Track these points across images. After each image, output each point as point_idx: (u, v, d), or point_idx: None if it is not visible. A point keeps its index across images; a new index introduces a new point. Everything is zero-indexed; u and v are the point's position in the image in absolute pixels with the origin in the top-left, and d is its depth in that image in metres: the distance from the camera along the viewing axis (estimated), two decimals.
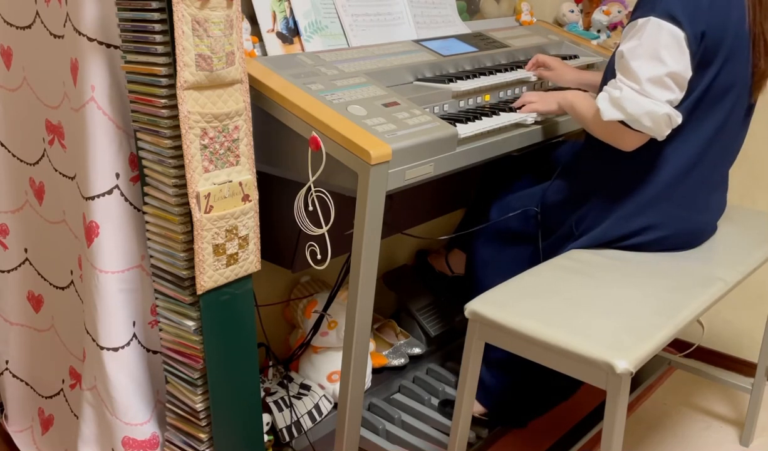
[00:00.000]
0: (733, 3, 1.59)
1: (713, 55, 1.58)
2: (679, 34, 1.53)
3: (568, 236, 1.80)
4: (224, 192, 1.38)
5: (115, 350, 1.52)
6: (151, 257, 1.46)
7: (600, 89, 1.67)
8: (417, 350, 2.29)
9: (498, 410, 2.04)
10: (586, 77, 2.04)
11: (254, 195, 1.44)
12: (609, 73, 1.67)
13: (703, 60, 1.58)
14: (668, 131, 1.59)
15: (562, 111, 1.81)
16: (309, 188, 1.46)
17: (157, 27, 1.29)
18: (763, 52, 1.64)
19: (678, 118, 1.58)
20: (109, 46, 1.40)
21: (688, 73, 1.56)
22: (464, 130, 1.63)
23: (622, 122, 1.58)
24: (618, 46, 1.61)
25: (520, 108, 1.84)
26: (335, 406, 2.04)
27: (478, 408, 2.02)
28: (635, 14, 1.60)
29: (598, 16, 2.50)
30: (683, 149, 1.66)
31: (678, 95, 1.57)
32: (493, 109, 1.81)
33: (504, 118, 1.76)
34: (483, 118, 1.74)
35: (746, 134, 1.83)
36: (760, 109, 2.20)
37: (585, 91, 1.91)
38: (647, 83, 1.54)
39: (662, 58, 1.53)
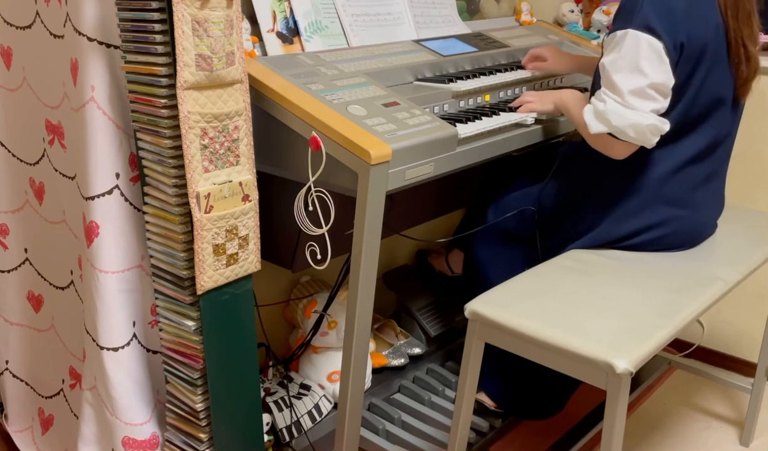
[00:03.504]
0: (709, 12, 1.60)
1: (697, 63, 1.59)
2: (658, 44, 1.54)
3: (566, 237, 1.80)
4: (224, 192, 1.38)
5: (115, 350, 1.52)
6: (151, 257, 1.46)
7: (590, 94, 1.68)
8: (417, 350, 2.29)
9: (509, 406, 2.06)
10: (583, 62, 2.04)
11: (254, 195, 1.44)
12: (595, 85, 1.67)
13: (686, 68, 1.59)
14: (655, 140, 1.60)
15: (558, 111, 1.82)
16: (309, 188, 1.46)
17: (157, 27, 1.29)
18: (743, 58, 1.65)
19: (665, 126, 1.58)
20: (109, 46, 1.40)
21: (671, 82, 1.57)
22: (464, 130, 1.63)
23: (609, 133, 1.60)
24: (600, 57, 1.62)
25: (518, 107, 1.84)
26: (335, 406, 2.03)
27: (490, 401, 2.04)
28: (615, 25, 1.61)
29: (598, 16, 2.50)
30: (676, 150, 1.67)
31: (662, 104, 1.58)
32: (493, 109, 1.81)
33: (504, 118, 1.76)
34: (483, 118, 1.74)
35: (737, 130, 1.83)
36: (760, 109, 2.19)
37: (582, 90, 1.91)
38: (629, 95, 1.55)
39: (643, 69, 1.54)
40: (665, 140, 1.64)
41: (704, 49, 1.59)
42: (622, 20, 1.58)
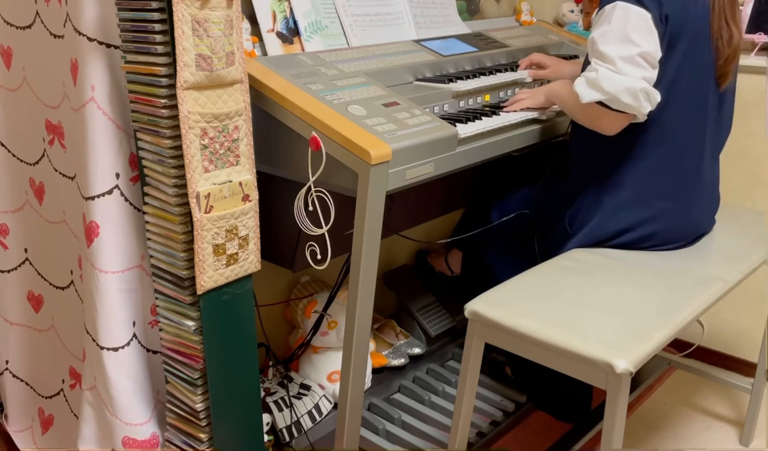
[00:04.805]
0: None
1: (677, 40, 1.61)
2: (646, 15, 1.56)
3: (564, 235, 1.80)
4: (224, 192, 1.38)
5: (115, 350, 1.52)
6: (151, 257, 1.46)
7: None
8: (417, 350, 2.29)
9: (537, 399, 2.08)
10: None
11: (254, 195, 1.44)
12: (586, 65, 1.68)
13: (670, 42, 1.60)
14: (649, 108, 1.60)
15: (550, 103, 1.83)
16: (309, 188, 1.46)
17: (157, 27, 1.29)
18: (725, 37, 1.67)
19: (657, 96, 1.60)
20: (109, 46, 1.40)
21: (659, 53, 1.59)
22: (464, 130, 1.63)
23: (601, 104, 1.60)
24: (590, 35, 1.64)
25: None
26: (335, 406, 2.03)
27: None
28: (603, 1, 1.63)
29: None
30: (665, 137, 1.68)
31: (652, 73, 1.59)
32: (493, 109, 1.81)
33: (504, 118, 1.76)
34: (483, 118, 1.74)
35: (730, 124, 1.83)
36: (759, 109, 2.19)
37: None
38: (621, 61, 1.56)
39: (632, 39, 1.56)
40: (652, 127, 1.65)
41: (686, 24, 1.61)
42: None
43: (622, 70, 1.56)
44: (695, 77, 1.66)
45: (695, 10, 1.63)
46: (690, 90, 1.67)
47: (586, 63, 1.69)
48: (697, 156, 1.73)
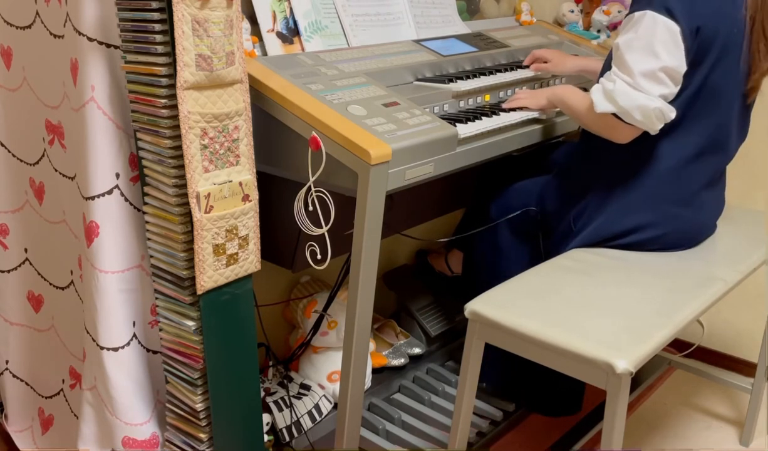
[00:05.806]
0: (731, 1, 1.60)
1: (707, 52, 1.59)
2: (675, 28, 1.54)
3: (567, 233, 1.80)
4: (224, 192, 1.38)
5: (115, 350, 1.52)
6: (151, 257, 1.46)
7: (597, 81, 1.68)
8: (417, 350, 2.29)
9: (531, 402, 2.08)
10: (586, 63, 2.05)
11: (254, 195, 1.44)
12: (606, 67, 1.68)
13: (697, 56, 1.59)
14: (660, 125, 1.59)
15: (552, 106, 1.82)
16: (309, 188, 1.46)
17: (157, 27, 1.29)
18: (764, 51, 1.65)
19: (671, 113, 1.58)
20: (109, 46, 1.40)
21: (683, 68, 1.57)
22: (464, 130, 1.63)
23: (614, 115, 1.59)
24: (616, 39, 1.63)
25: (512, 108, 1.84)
26: (335, 406, 2.03)
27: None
28: (633, 7, 1.61)
29: (598, 16, 2.50)
30: (678, 145, 1.67)
31: (672, 90, 1.57)
32: (493, 109, 1.81)
33: (504, 118, 1.76)
34: (483, 118, 1.74)
35: (747, 133, 1.83)
36: (760, 109, 2.19)
37: (581, 85, 1.91)
38: (640, 77, 1.55)
39: (657, 52, 1.54)
40: (669, 133, 1.64)
41: (717, 36, 1.58)
42: (641, 2, 1.58)
43: (640, 86, 1.55)
44: (721, 89, 1.64)
45: (728, 23, 1.60)
46: (713, 101, 1.65)
47: (605, 67, 1.68)
48: (713, 165, 1.73)
